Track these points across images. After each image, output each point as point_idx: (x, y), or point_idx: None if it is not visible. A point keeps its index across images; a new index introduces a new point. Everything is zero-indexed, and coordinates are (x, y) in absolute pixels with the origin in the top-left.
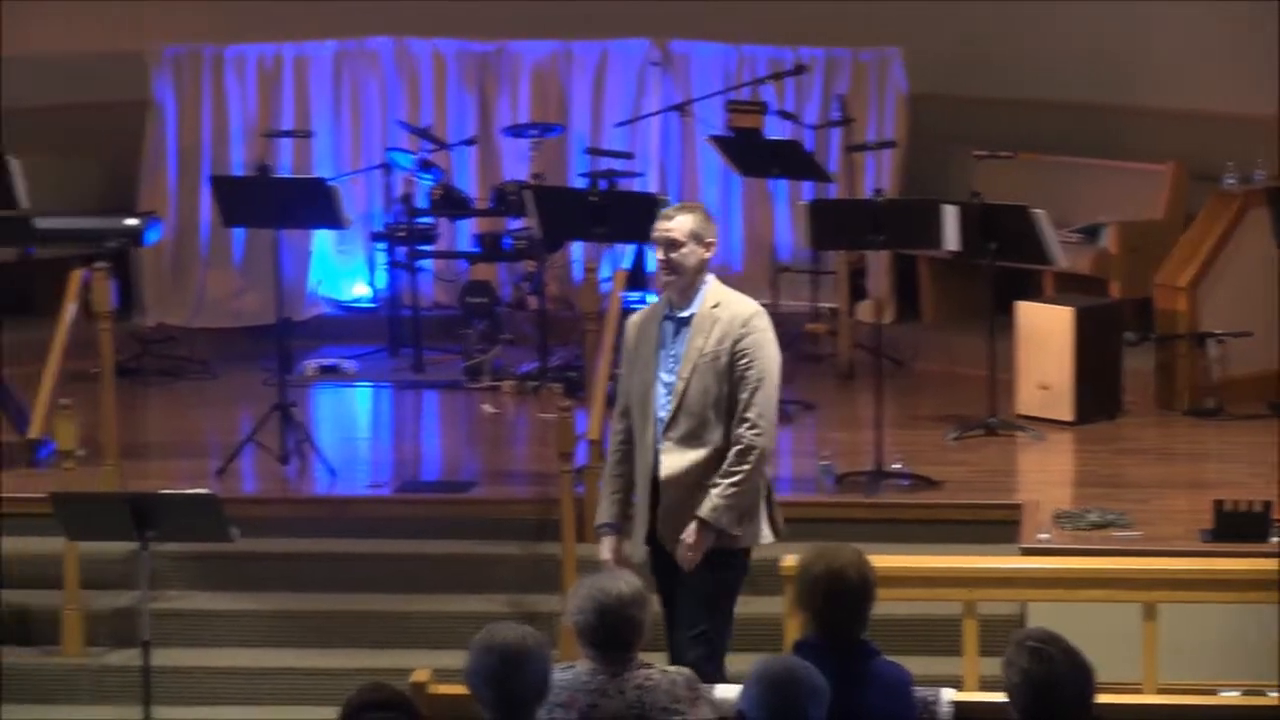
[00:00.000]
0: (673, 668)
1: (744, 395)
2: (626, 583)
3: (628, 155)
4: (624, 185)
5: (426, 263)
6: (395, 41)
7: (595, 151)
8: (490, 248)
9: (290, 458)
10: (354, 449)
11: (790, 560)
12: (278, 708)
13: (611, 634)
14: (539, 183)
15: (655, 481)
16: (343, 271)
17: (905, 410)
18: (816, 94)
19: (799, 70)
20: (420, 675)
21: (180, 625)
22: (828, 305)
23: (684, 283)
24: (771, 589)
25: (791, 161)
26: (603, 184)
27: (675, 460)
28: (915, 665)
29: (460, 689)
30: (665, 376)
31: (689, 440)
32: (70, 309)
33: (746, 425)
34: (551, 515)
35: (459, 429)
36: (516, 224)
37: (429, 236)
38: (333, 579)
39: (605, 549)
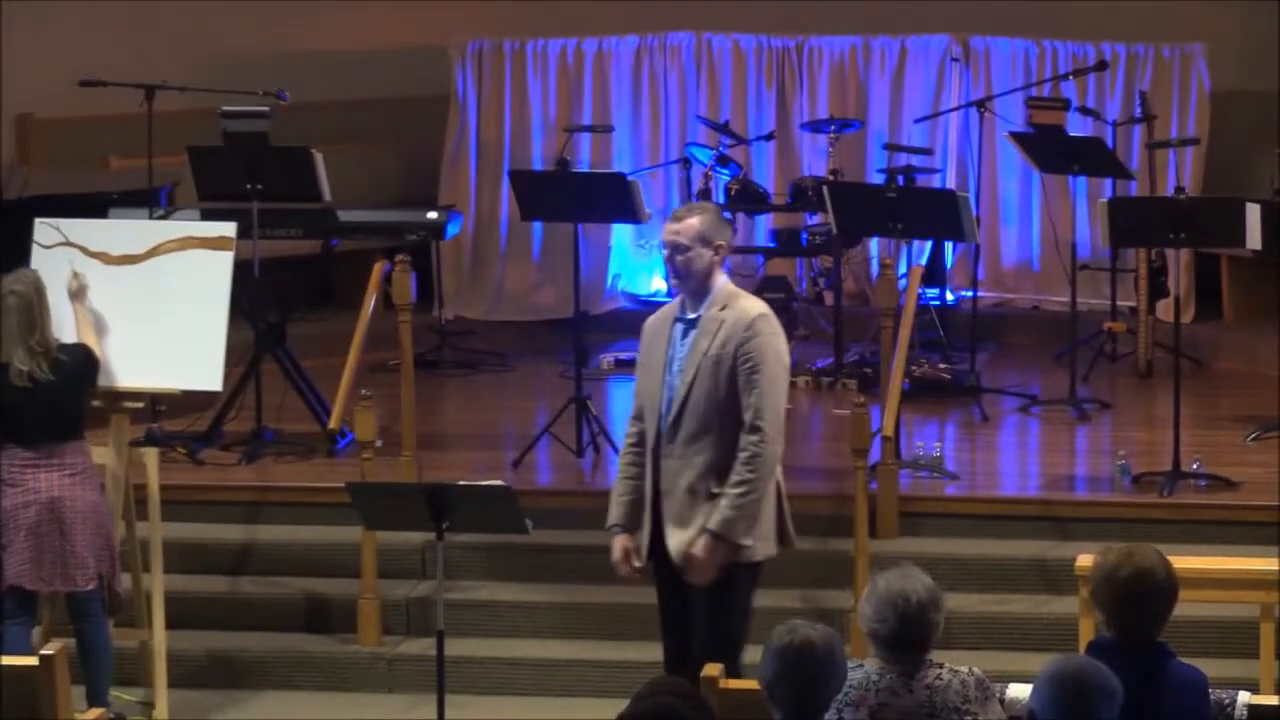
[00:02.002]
0: (963, 667)
1: (748, 400)
2: (924, 585)
3: (926, 151)
4: (922, 181)
5: None
6: (695, 37)
7: (893, 147)
8: (787, 243)
9: (586, 450)
10: None
11: (1085, 560)
12: (569, 699)
13: (909, 637)
14: (836, 178)
15: (657, 487)
16: (640, 266)
17: (1204, 410)
18: (1118, 90)
19: (1100, 66)
20: (711, 670)
21: (474, 615)
22: (1127, 303)
23: (693, 286)
24: (1066, 588)
25: (1092, 158)
26: (900, 180)
27: (677, 466)
28: (1208, 668)
29: (751, 684)
30: (670, 380)
31: (691, 445)
32: (371, 301)
33: (752, 432)
34: (844, 511)
35: None
36: (814, 219)
37: None
38: None
39: (615, 549)
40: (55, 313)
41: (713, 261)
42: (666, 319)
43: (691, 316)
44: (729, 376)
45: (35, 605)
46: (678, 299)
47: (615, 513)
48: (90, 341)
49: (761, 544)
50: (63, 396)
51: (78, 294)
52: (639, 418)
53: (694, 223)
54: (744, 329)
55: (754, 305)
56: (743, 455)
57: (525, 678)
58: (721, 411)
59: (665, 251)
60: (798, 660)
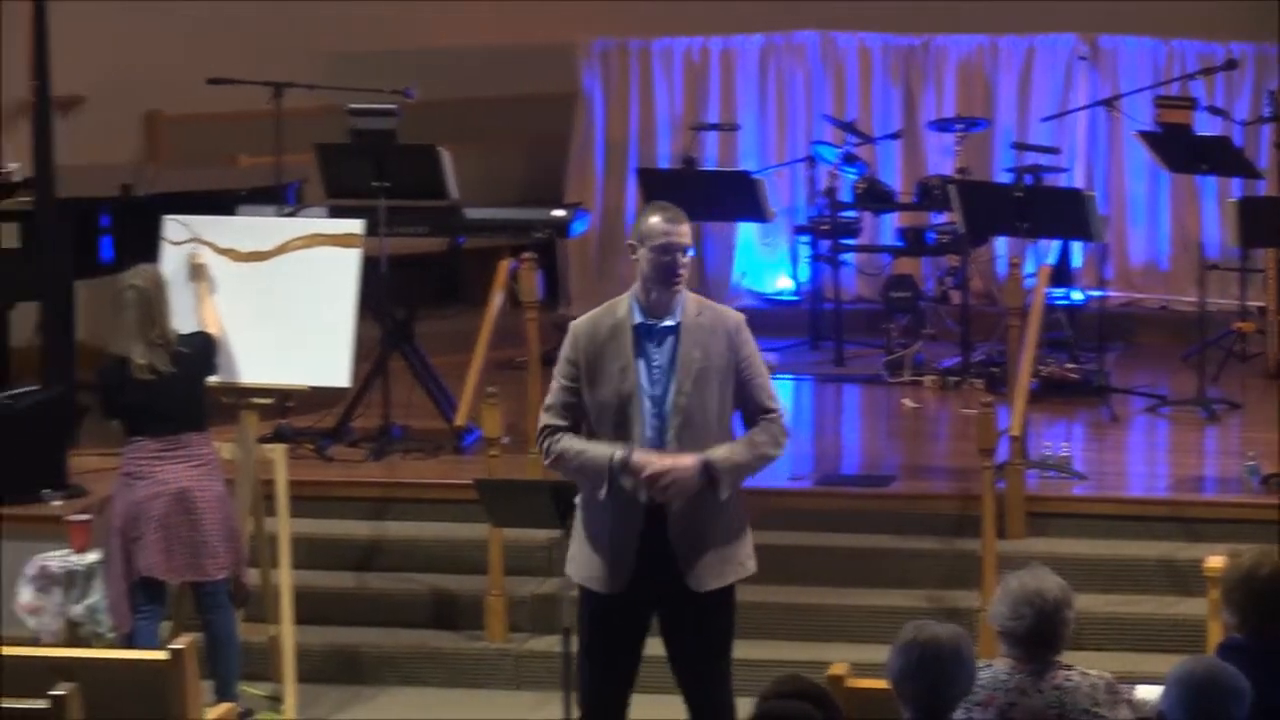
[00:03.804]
0: (1093, 671)
1: (760, 396)
2: (1058, 584)
3: (1054, 150)
4: (1049, 181)
5: (849, 256)
6: (821, 35)
7: (1021, 146)
8: (913, 242)
9: None
10: None
11: (1215, 561)
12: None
13: (1043, 636)
14: (963, 177)
15: (645, 510)
16: (766, 264)
17: None
18: (1247, 89)
19: (1229, 66)
20: (838, 669)
21: None
22: (1256, 304)
23: (680, 288)
24: (1195, 590)
25: (1220, 158)
26: (1028, 179)
27: None
28: None
29: (878, 683)
30: (653, 390)
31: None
32: (497, 298)
33: (774, 414)
34: (971, 511)
35: (879, 423)
36: (940, 218)
37: (852, 230)
38: None
39: (646, 462)
40: (178, 302)
41: None
42: (619, 327)
43: (667, 324)
44: (728, 383)
45: (164, 598)
46: (618, 304)
47: (604, 449)
48: (210, 321)
49: (748, 562)
50: (185, 388)
51: (197, 273)
52: (573, 429)
53: (688, 226)
54: (735, 333)
55: (729, 309)
56: (770, 428)
57: (650, 675)
58: (721, 420)
59: (665, 256)
60: (922, 656)
